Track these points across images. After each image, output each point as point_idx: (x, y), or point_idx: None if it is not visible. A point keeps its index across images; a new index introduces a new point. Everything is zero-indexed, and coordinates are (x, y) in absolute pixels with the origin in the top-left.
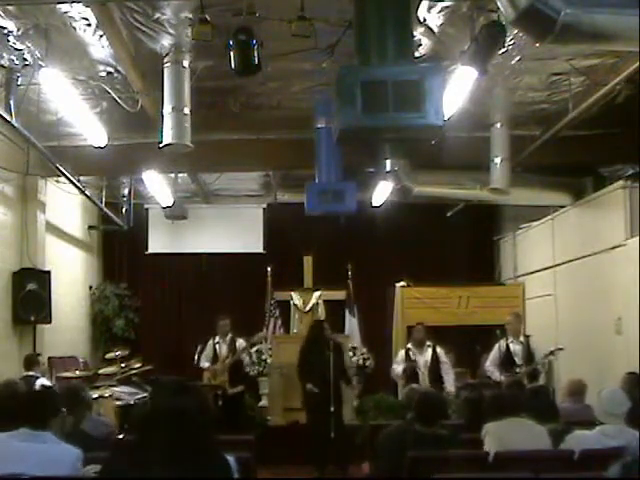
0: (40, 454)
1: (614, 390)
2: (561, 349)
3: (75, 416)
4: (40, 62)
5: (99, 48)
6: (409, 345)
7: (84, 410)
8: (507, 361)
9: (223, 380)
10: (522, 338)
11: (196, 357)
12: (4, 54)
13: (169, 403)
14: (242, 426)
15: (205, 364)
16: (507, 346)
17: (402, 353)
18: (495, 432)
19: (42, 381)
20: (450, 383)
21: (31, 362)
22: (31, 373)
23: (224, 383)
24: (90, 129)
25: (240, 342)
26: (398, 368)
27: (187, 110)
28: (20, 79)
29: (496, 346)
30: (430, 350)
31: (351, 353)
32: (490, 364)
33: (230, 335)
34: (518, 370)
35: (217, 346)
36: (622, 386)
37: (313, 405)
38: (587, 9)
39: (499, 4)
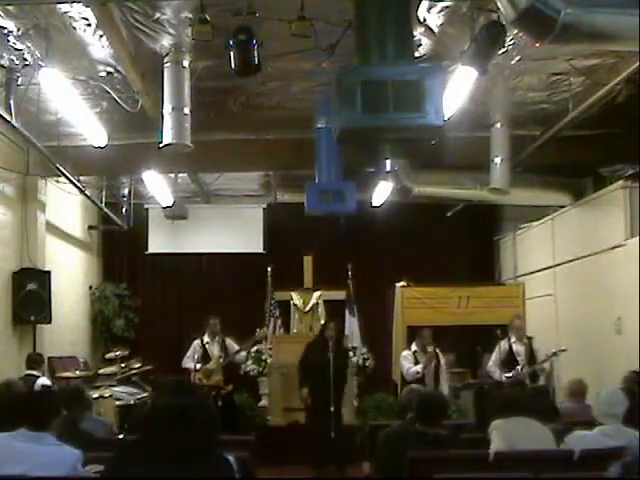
0: (39, 456)
1: (612, 391)
2: (564, 350)
3: (75, 416)
4: (40, 62)
5: (99, 48)
6: (414, 347)
7: (84, 410)
8: (510, 362)
9: (218, 380)
10: (525, 339)
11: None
12: (4, 54)
13: (170, 402)
14: (241, 426)
15: (197, 365)
16: (510, 347)
17: (409, 354)
18: (502, 429)
19: (43, 380)
20: (445, 386)
21: (34, 362)
22: (33, 372)
23: (219, 383)
24: (90, 129)
25: (229, 342)
26: (415, 370)
27: (187, 110)
28: (20, 79)
29: (497, 347)
30: (433, 351)
31: (351, 353)
32: (492, 364)
33: (220, 335)
34: (519, 371)
35: (207, 346)
36: (624, 384)
37: (312, 405)
38: (587, 9)
39: (499, 4)
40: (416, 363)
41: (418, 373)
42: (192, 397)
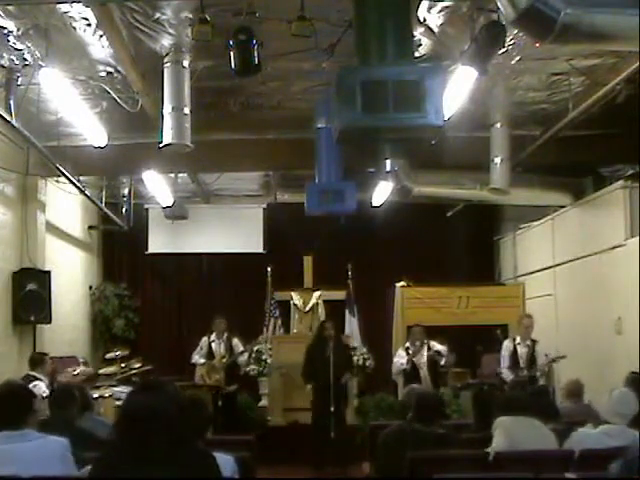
0: (28, 452)
1: (625, 391)
2: (563, 357)
3: (75, 416)
4: (40, 62)
5: (99, 48)
6: (407, 344)
7: (84, 410)
8: (513, 363)
9: (218, 378)
10: (529, 341)
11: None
12: (4, 54)
13: (136, 401)
14: (241, 426)
15: (200, 360)
16: (514, 348)
17: (402, 351)
18: (506, 427)
19: (36, 384)
20: (440, 347)
21: (35, 362)
22: (33, 373)
23: (220, 381)
24: (90, 129)
25: (236, 342)
26: (400, 362)
27: (187, 110)
28: (20, 79)
29: (503, 348)
30: (426, 347)
31: (353, 352)
32: (503, 366)
33: (226, 334)
34: (521, 373)
35: (213, 344)
36: (630, 386)
37: (315, 405)
38: (587, 9)
39: (499, 4)
40: (408, 355)
41: (402, 365)
42: (159, 395)
